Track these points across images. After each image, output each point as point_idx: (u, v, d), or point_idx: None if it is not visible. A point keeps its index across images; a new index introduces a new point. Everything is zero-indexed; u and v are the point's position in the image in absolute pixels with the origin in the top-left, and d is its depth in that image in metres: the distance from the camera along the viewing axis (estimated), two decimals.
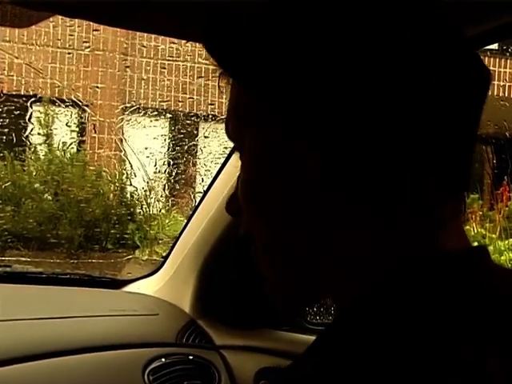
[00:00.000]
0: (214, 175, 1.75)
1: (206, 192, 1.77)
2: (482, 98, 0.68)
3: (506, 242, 8.32)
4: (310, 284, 0.69)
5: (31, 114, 6.04)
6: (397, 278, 0.63)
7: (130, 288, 1.93)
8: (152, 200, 6.38)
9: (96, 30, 6.76)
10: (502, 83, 8.45)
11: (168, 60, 7.65)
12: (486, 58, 9.43)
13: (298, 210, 0.65)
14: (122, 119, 7.36)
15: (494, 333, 0.60)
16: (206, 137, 6.79)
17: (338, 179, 0.63)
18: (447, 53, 0.64)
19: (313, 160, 0.63)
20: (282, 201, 0.65)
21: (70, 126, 6.72)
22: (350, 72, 0.61)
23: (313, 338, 1.66)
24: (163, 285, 1.85)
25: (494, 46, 9.10)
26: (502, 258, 7.68)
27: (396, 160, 0.62)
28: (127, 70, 7.74)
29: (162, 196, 6.50)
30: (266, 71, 0.64)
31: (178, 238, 1.85)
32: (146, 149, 6.32)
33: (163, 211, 6.41)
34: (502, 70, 8.75)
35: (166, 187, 6.56)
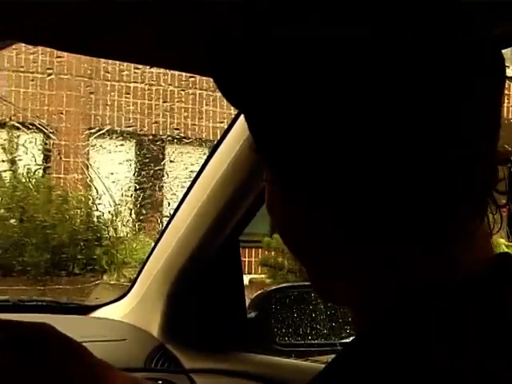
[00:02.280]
0: (180, 199, 1.76)
1: (172, 216, 1.78)
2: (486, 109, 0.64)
3: None
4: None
5: None
6: (398, 311, 0.62)
7: (98, 313, 1.92)
8: (119, 224, 6.35)
9: (59, 57, 6.74)
10: None
11: (133, 83, 7.65)
12: None
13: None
14: (88, 143, 7.34)
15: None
16: (171, 161, 6.79)
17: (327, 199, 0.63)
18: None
19: None
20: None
21: (35, 152, 6.67)
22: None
23: (282, 359, 1.66)
24: (131, 309, 1.84)
25: None
26: None
27: (387, 172, 0.61)
28: (92, 94, 7.72)
29: (128, 220, 6.47)
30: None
31: (145, 263, 1.84)
32: (112, 174, 6.29)
33: (130, 235, 6.38)
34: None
35: (133, 211, 6.53)
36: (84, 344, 1.66)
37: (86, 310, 1.94)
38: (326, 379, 0.63)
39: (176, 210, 1.76)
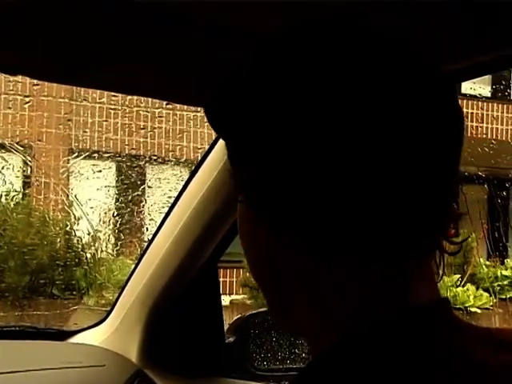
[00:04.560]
0: (158, 224, 1.76)
1: (150, 241, 1.78)
2: (455, 141, 0.68)
3: (453, 277, 8.44)
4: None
5: None
6: (353, 337, 0.65)
7: (77, 339, 1.91)
8: (98, 245, 6.32)
9: None
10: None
11: (115, 104, 7.65)
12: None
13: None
14: (68, 162, 7.31)
15: None
16: (149, 187, 6.79)
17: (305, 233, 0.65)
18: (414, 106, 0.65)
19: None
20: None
21: (14, 174, 6.64)
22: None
23: None
24: (110, 335, 1.84)
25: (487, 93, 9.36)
26: (450, 294, 7.77)
27: (359, 212, 0.63)
28: (72, 114, 7.71)
29: (108, 242, 6.44)
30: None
31: (123, 288, 1.84)
32: (91, 198, 6.27)
33: (110, 257, 6.36)
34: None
35: (113, 233, 6.51)
36: (62, 370, 1.66)
37: (65, 335, 1.93)
38: None
39: (154, 235, 1.77)
